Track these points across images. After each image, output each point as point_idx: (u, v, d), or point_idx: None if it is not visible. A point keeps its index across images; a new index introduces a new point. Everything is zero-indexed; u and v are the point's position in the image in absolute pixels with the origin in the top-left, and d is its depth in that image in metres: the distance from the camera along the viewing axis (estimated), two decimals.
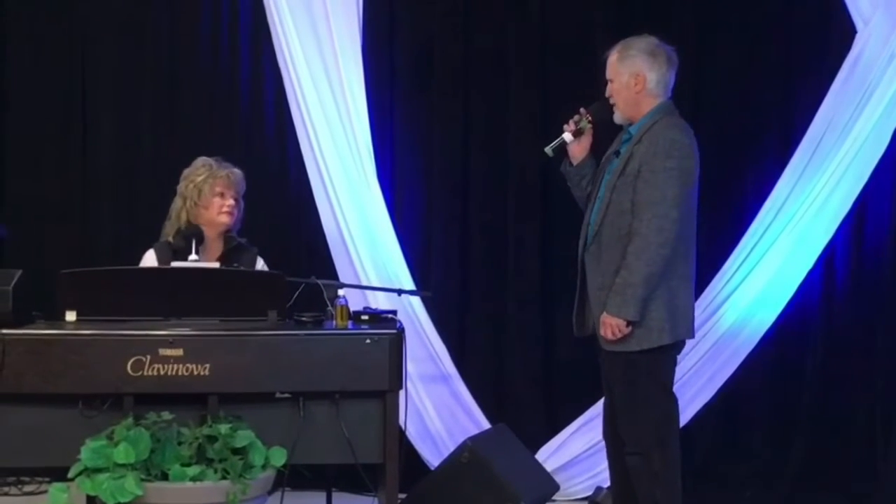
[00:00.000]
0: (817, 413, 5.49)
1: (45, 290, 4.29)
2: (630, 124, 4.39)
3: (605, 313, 4.24)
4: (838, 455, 5.45)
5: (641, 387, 4.28)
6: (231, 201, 4.76)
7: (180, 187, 4.79)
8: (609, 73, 4.40)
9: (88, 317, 4.21)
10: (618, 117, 4.41)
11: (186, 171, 4.82)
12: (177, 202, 4.79)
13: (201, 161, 4.82)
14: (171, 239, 4.76)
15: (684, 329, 4.33)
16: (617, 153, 4.38)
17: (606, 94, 4.42)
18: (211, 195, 4.73)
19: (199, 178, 4.75)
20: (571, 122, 4.47)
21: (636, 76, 4.34)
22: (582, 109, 4.47)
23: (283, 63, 5.61)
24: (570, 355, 5.52)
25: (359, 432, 4.20)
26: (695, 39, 5.54)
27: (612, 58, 4.40)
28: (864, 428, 5.45)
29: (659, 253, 4.18)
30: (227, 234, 4.81)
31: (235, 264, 4.73)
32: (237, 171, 4.81)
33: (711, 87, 5.58)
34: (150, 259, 4.75)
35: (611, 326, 4.22)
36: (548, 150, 4.49)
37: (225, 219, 4.74)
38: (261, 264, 4.84)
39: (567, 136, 4.46)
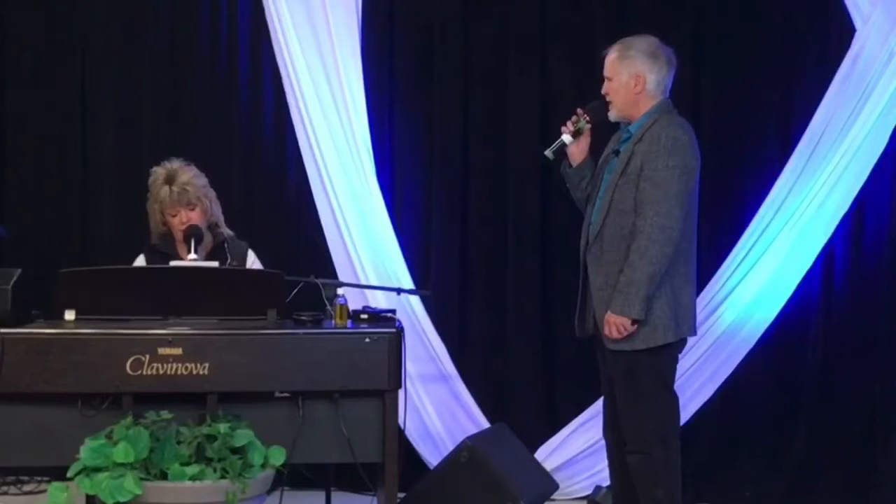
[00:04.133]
0: (817, 411, 5.49)
1: (45, 290, 4.29)
2: (627, 123, 4.39)
3: (609, 312, 4.24)
4: (838, 453, 5.45)
5: (643, 385, 4.28)
6: (185, 217, 4.68)
7: (147, 202, 4.77)
8: (608, 72, 4.39)
9: (87, 316, 4.21)
10: (613, 115, 4.40)
11: (149, 182, 4.77)
12: (149, 214, 4.77)
13: (152, 177, 4.75)
14: (155, 242, 4.76)
15: (687, 327, 4.34)
16: (616, 153, 4.38)
17: (602, 92, 4.41)
18: (167, 217, 4.71)
19: (152, 200, 4.72)
20: (569, 123, 4.45)
21: (636, 77, 4.33)
22: (579, 110, 4.46)
23: (283, 63, 5.61)
24: (569, 355, 5.53)
25: (358, 431, 4.19)
26: (694, 38, 5.54)
27: (612, 56, 4.39)
28: (863, 426, 5.45)
29: (662, 251, 4.18)
30: (214, 230, 4.80)
31: (230, 261, 4.72)
32: (181, 180, 4.67)
33: (710, 86, 5.57)
34: (140, 264, 4.74)
35: (615, 325, 4.22)
36: (547, 153, 4.48)
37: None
38: (251, 257, 4.83)
39: (566, 138, 4.45)
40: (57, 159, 5.83)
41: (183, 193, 4.67)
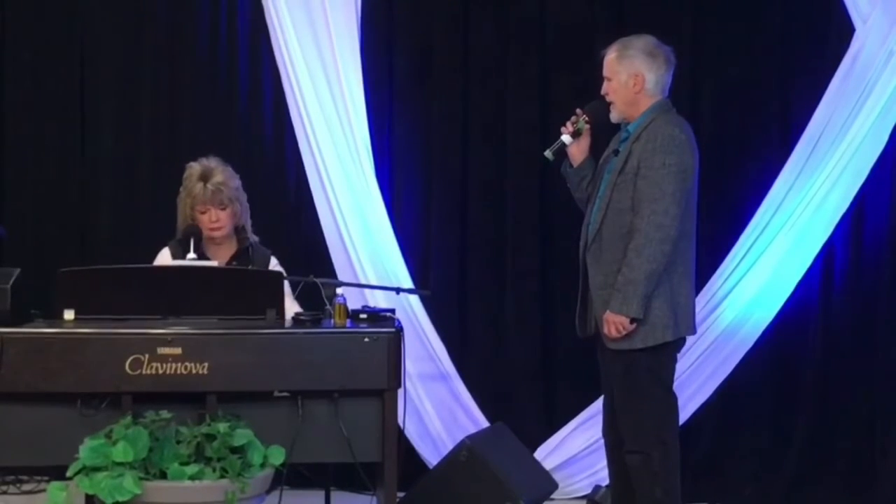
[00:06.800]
0: (816, 410, 5.48)
1: (44, 290, 4.29)
2: (627, 123, 4.39)
3: (608, 311, 4.24)
4: (837, 452, 5.45)
5: (642, 385, 4.28)
6: (215, 216, 4.71)
7: (179, 196, 4.80)
8: (607, 72, 4.40)
9: (87, 315, 4.22)
10: (614, 116, 4.41)
11: (184, 176, 4.81)
12: (179, 208, 4.79)
13: (187, 172, 4.78)
14: (181, 237, 4.77)
15: (686, 325, 4.34)
16: (616, 152, 4.39)
17: (602, 92, 4.42)
18: (196, 214, 4.72)
19: (184, 195, 4.75)
20: (569, 123, 4.46)
21: (635, 76, 4.34)
22: (578, 110, 4.46)
23: (282, 63, 5.61)
24: (569, 354, 5.52)
25: (357, 431, 4.20)
26: (693, 38, 5.54)
27: (611, 56, 4.39)
28: (862, 425, 5.45)
29: (660, 249, 4.18)
30: (240, 234, 4.81)
31: (240, 264, 4.73)
32: (216, 179, 4.71)
33: (710, 86, 5.57)
34: (165, 256, 4.77)
35: (614, 324, 4.22)
36: (547, 153, 4.49)
37: (213, 234, 4.73)
38: (274, 264, 4.84)
39: (565, 138, 4.46)
40: (57, 159, 5.83)
41: (217, 192, 4.69)
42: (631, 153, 4.28)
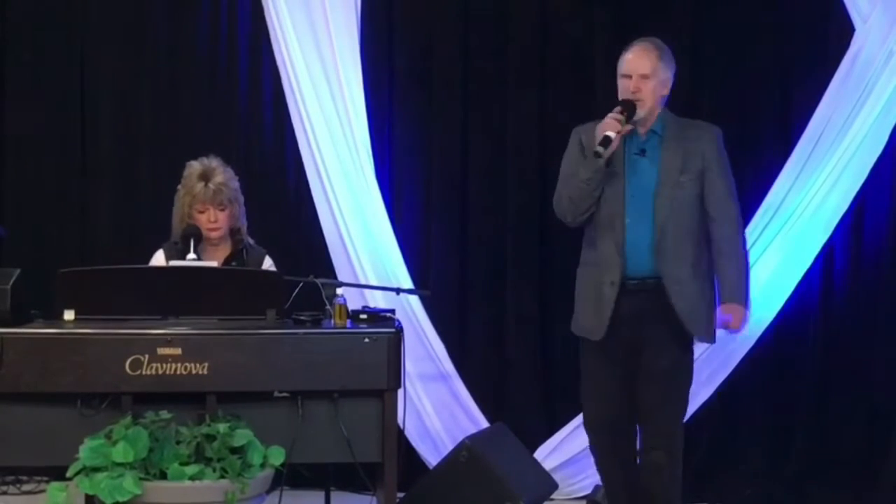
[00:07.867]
0: (816, 411, 5.49)
1: (44, 289, 4.29)
2: (633, 124, 4.34)
3: (736, 305, 4.32)
4: (837, 454, 5.45)
5: (684, 383, 4.44)
6: (214, 216, 4.71)
7: (177, 194, 4.79)
8: (646, 69, 4.32)
9: (87, 316, 4.21)
10: (640, 114, 4.34)
11: (183, 175, 4.82)
12: (176, 206, 4.79)
13: (187, 171, 4.78)
14: (177, 240, 4.76)
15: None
16: (642, 152, 4.36)
17: (633, 89, 4.31)
18: (194, 213, 4.72)
19: (183, 193, 4.75)
20: (612, 119, 4.27)
21: (669, 79, 4.41)
22: (618, 108, 4.31)
23: (282, 63, 5.61)
24: (568, 355, 5.50)
25: (357, 431, 4.21)
26: (692, 38, 5.54)
27: (651, 55, 4.34)
28: (862, 426, 5.45)
29: (743, 241, 4.42)
30: (235, 236, 4.81)
31: (234, 264, 4.72)
32: (217, 179, 4.71)
33: (710, 85, 5.58)
34: (159, 259, 4.76)
35: (743, 316, 4.36)
36: (598, 149, 4.24)
37: (211, 234, 4.73)
38: (268, 264, 4.84)
39: (611, 135, 4.25)
40: (57, 159, 5.83)
41: (217, 193, 4.70)
42: (689, 152, 4.34)
